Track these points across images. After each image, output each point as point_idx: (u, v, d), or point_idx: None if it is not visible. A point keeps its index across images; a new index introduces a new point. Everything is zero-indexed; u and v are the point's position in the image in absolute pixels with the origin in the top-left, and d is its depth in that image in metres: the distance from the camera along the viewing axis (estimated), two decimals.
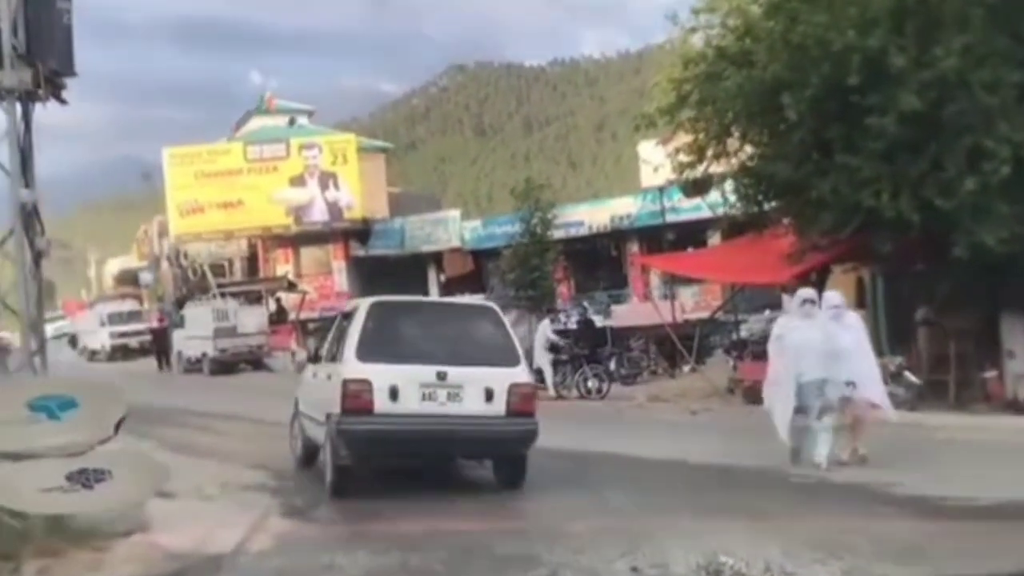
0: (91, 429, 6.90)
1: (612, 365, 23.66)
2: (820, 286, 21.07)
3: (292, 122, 48.48)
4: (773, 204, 18.57)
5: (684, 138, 18.46)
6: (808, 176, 16.28)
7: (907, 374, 17.15)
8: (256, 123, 48.34)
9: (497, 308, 11.64)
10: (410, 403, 10.16)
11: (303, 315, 36.37)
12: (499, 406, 10.39)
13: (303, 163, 41.06)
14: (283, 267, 42.40)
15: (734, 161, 18.09)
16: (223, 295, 35.89)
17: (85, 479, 6.46)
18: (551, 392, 22.13)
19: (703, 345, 26.19)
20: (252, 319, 32.66)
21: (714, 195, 22.92)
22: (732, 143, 18.00)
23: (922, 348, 18.33)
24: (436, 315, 11.79)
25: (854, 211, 16.02)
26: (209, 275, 39.49)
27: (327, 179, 41.16)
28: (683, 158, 18.37)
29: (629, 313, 31.58)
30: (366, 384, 10.06)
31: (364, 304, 10.87)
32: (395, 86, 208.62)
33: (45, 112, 12.30)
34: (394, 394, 10.10)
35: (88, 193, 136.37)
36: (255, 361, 32.61)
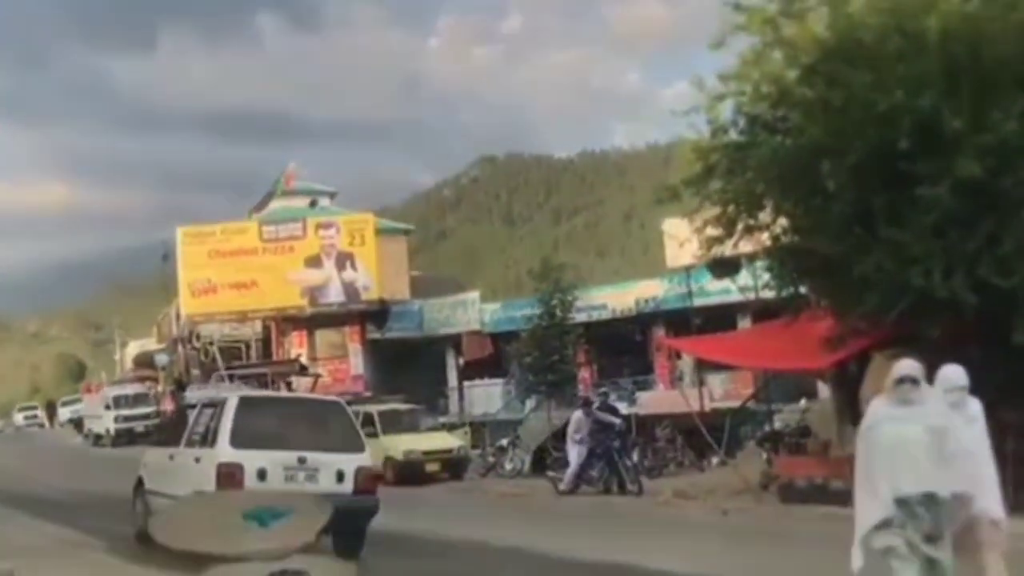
0: (296, 536, 7.27)
1: (636, 456, 21.94)
2: (860, 374, 19.51)
3: (314, 204, 47.61)
4: (809, 284, 17.02)
5: (711, 211, 17.00)
6: (849, 252, 14.76)
7: None
8: (277, 204, 47.47)
9: (344, 403, 13.84)
10: (275, 483, 11.58)
11: None
12: (348, 485, 12.15)
13: (320, 243, 39.94)
14: (297, 350, 41.00)
15: (766, 236, 16.55)
16: (231, 378, 34.47)
17: None
18: (563, 486, 20.68)
19: (733, 436, 24.50)
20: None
21: (744, 277, 21.57)
22: (764, 217, 16.49)
23: None
24: (294, 408, 13.99)
25: (901, 291, 14.47)
26: (218, 357, 38.20)
27: (344, 259, 39.99)
28: (711, 232, 16.89)
29: (654, 400, 30.02)
30: (238, 467, 11.56)
31: (232, 398, 12.64)
32: (427, 176, 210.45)
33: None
34: (262, 475, 11.61)
35: (124, 277, 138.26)
36: None
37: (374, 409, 25.77)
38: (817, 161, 14.46)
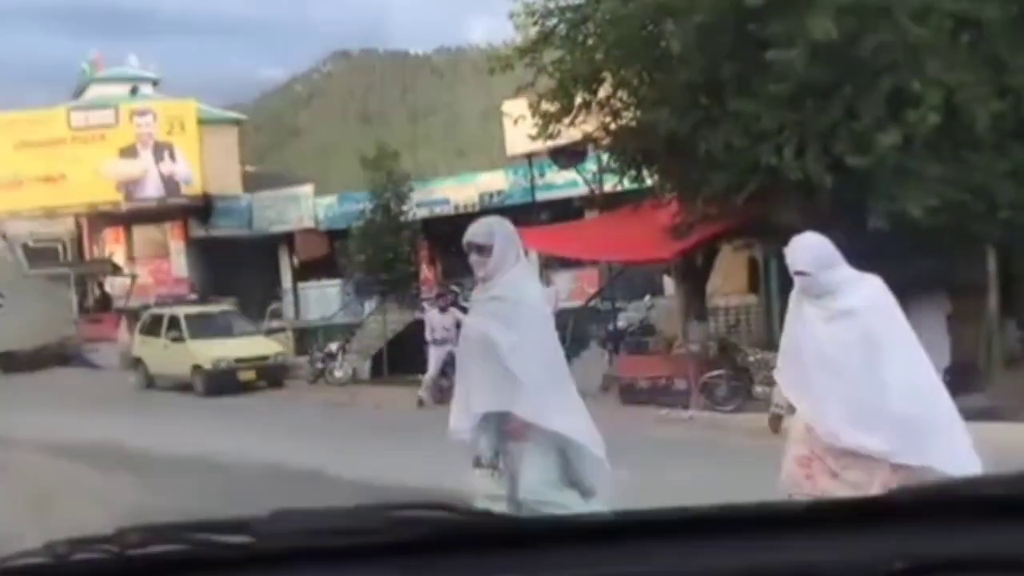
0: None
1: None
2: (707, 267, 18.22)
3: (135, 91, 43.66)
4: (653, 167, 15.46)
5: (549, 84, 15.17)
6: (695, 127, 13.20)
7: None
8: (95, 91, 43.46)
9: None
10: None
11: (134, 302, 32.15)
12: None
13: (135, 132, 36.52)
14: (113, 248, 37.83)
15: (607, 113, 14.82)
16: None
17: None
18: (422, 392, 18.29)
19: (576, 337, 23.15)
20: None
21: (593, 167, 19.96)
22: (605, 90, 14.74)
23: None
24: None
25: (751, 171, 13.05)
26: (21, 256, 34.91)
27: (162, 150, 36.68)
28: (546, 107, 15.06)
29: None
30: None
31: None
32: (278, 71, 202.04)
33: None
34: None
35: None
36: (63, 356, 28.29)
37: (180, 312, 23.44)
38: (661, 22, 12.74)
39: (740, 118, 12.73)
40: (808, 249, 5.37)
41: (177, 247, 37.97)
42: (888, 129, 11.99)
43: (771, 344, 16.65)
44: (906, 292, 14.46)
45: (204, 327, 22.42)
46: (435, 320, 18.55)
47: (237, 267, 37.37)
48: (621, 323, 21.22)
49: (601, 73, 14.49)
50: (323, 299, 34.77)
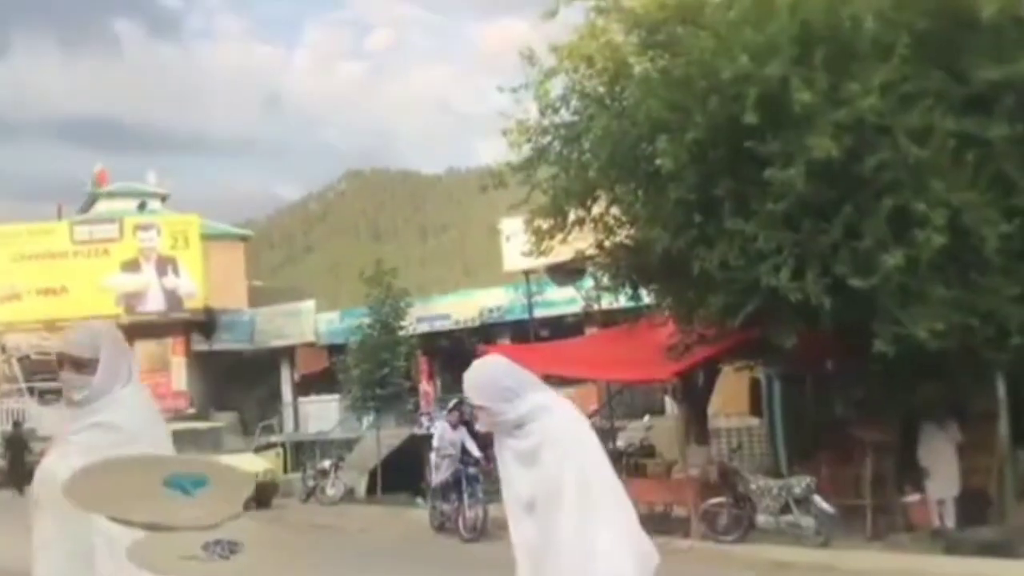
0: (221, 505, 4.80)
1: (480, 479, 19.56)
2: (708, 387, 17.65)
3: (143, 206, 43.87)
4: (647, 285, 15.03)
5: (543, 201, 14.86)
6: (690, 246, 12.78)
7: (817, 500, 13.60)
8: (103, 206, 43.66)
9: None
10: None
11: None
12: None
13: (138, 246, 36.41)
14: None
15: (601, 230, 14.46)
16: (32, 392, 31.03)
17: (221, 549, 4.91)
18: (461, 529, 16.49)
19: None
20: (53, 421, 27.71)
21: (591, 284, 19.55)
22: (599, 206, 14.40)
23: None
24: None
25: (749, 292, 12.56)
26: (16, 370, 34.44)
27: (165, 264, 36.54)
28: (539, 223, 14.71)
29: None
30: None
31: None
32: (292, 190, 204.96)
33: None
34: None
35: None
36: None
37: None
38: (655, 139, 12.43)
39: (736, 237, 12.32)
40: (481, 376, 3.99)
41: (178, 361, 37.51)
42: (891, 250, 11.54)
43: (775, 470, 16.03)
44: (914, 419, 14.01)
45: (190, 444, 21.66)
46: (446, 433, 17.81)
47: (238, 381, 36.94)
48: (620, 443, 20.57)
49: (595, 191, 14.19)
50: (322, 414, 34.22)
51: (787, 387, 17.03)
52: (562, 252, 16.54)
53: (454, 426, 17.61)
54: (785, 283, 11.90)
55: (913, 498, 14.26)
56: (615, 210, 14.14)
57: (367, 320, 25.81)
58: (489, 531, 15.93)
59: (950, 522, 13.90)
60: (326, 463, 23.59)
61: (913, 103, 11.54)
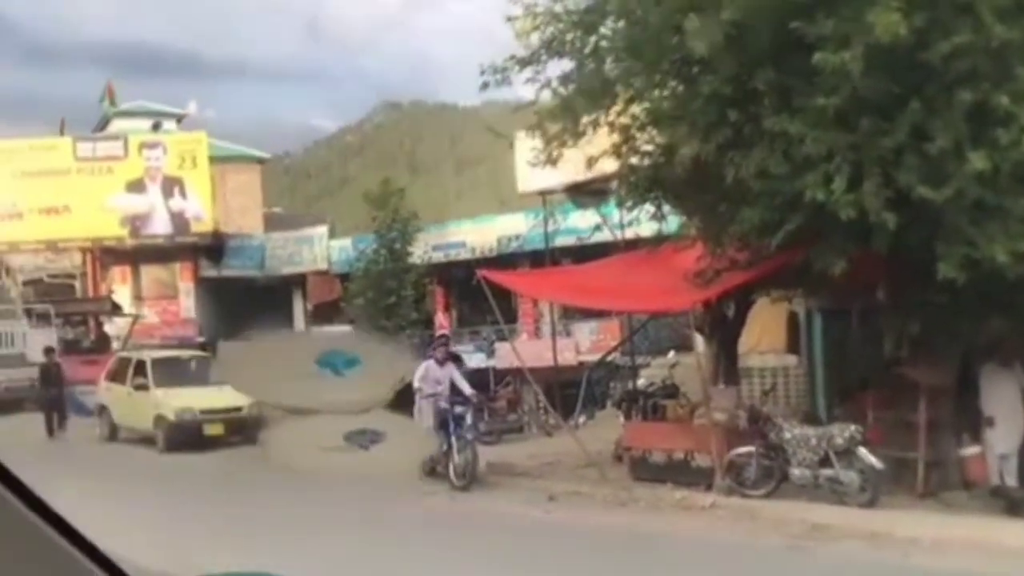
0: (370, 388, 7.89)
1: (469, 419, 17.70)
2: (739, 322, 15.68)
3: (157, 127, 42.15)
4: (671, 198, 13.01)
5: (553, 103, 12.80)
6: (722, 150, 10.74)
7: (862, 452, 11.68)
8: (116, 126, 41.92)
9: None
10: None
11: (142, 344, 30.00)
12: None
13: (143, 165, 34.72)
14: (120, 287, 35.88)
15: (619, 134, 12.36)
16: (30, 316, 29.52)
17: (362, 440, 7.75)
18: (451, 475, 14.26)
19: (590, 394, 20.71)
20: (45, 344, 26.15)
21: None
22: (618, 107, 12.31)
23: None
24: None
25: (791, 206, 10.57)
26: (15, 291, 32.98)
27: (172, 185, 34.82)
28: (549, 127, 12.67)
29: (513, 353, 26.05)
30: None
31: None
32: (329, 122, 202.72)
33: None
34: None
35: None
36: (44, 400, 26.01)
37: (147, 356, 21.09)
38: (683, 20, 10.33)
39: (778, 140, 10.29)
40: None
41: (186, 287, 36.03)
42: (968, 154, 9.48)
43: (813, 417, 14.10)
44: (975, 360, 12.00)
45: (172, 374, 20.04)
46: (431, 371, 15.50)
47: (249, 309, 35.29)
48: (641, 381, 18.74)
49: (613, 86, 12.09)
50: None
51: (829, 321, 15.05)
52: (583, 171, 14.60)
53: (440, 363, 15.58)
54: (838, 195, 9.87)
55: (972, 451, 12.37)
56: (635, 109, 12.03)
57: (372, 246, 24.10)
58: (482, 477, 14.13)
59: (1012, 479, 12.06)
60: None
61: None
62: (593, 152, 12.59)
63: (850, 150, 10.02)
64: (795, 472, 12.09)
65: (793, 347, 16.34)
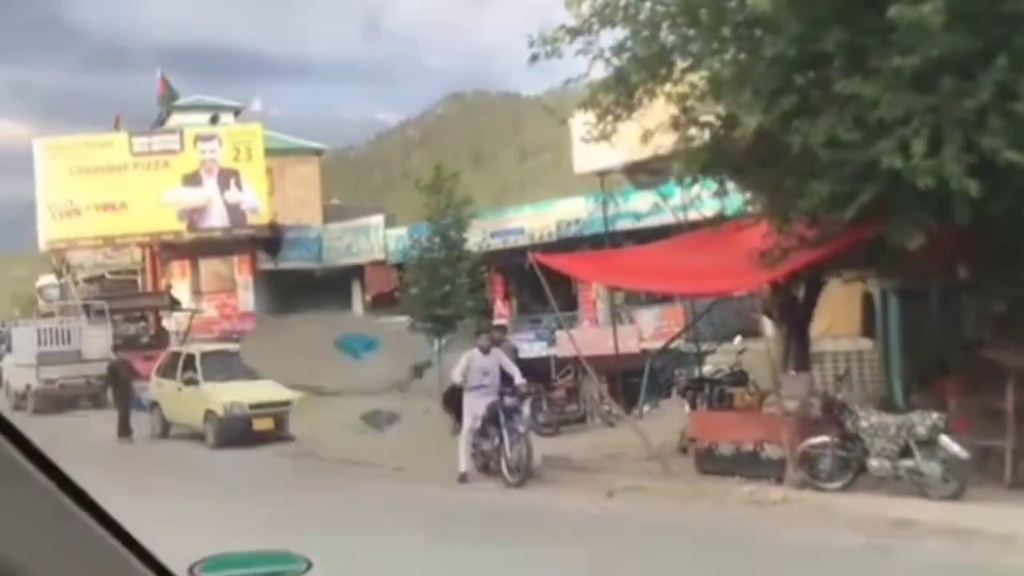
0: (387, 371, 6.55)
1: (526, 411, 16.99)
2: (810, 304, 14.83)
3: (215, 120, 42.13)
4: (732, 173, 12.19)
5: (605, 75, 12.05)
6: (788, 118, 9.93)
7: (946, 440, 10.81)
8: (175, 121, 41.93)
9: None
10: None
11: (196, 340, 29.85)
12: None
13: (199, 158, 34.52)
14: (179, 282, 35.77)
15: (677, 104, 11.56)
16: (89, 311, 29.51)
17: (379, 420, 8.46)
18: (462, 466, 13.87)
19: (654, 383, 19.89)
20: (101, 342, 26.06)
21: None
22: (675, 75, 11.52)
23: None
24: None
25: (863, 176, 9.74)
26: (72, 287, 33.06)
27: (228, 178, 34.58)
28: (602, 99, 11.92)
29: (578, 341, 25.30)
30: None
31: None
32: (392, 115, 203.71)
33: None
34: None
35: None
36: (99, 396, 25.89)
37: (196, 350, 20.73)
38: None
39: (850, 104, 9.48)
40: None
41: (244, 281, 35.82)
42: None
43: (890, 403, 13.23)
44: None
45: (222, 368, 19.67)
46: (475, 361, 14.54)
47: (308, 302, 35.04)
48: (707, 369, 17.93)
49: (669, 54, 11.32)
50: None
51: (906, 302, 14.14)
52: (640, 149, 13.85)
53: (485, 350, 14.61)
54: (916, 161, 9.04)
55: None
56: (693, 78, 11.25)
57: (426, 235, 23.46)
58: (537, 472, 13.44)
59: None
60: None
61: None
62: (649, 126, 11.82)
63: (929, 113, 9.18)
64: (873, 463, 11.26)
65: (867, 330, 15.44)
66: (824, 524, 10.21)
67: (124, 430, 20.38)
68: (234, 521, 10.02)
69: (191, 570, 2.08)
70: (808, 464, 11.72)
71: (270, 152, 36.23)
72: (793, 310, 14.36)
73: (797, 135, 9.78)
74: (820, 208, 10.45)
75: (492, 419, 13.74)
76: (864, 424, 11.35)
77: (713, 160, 11.71)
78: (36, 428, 20.27)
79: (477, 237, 27.61)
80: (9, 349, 29.30)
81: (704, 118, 11.34)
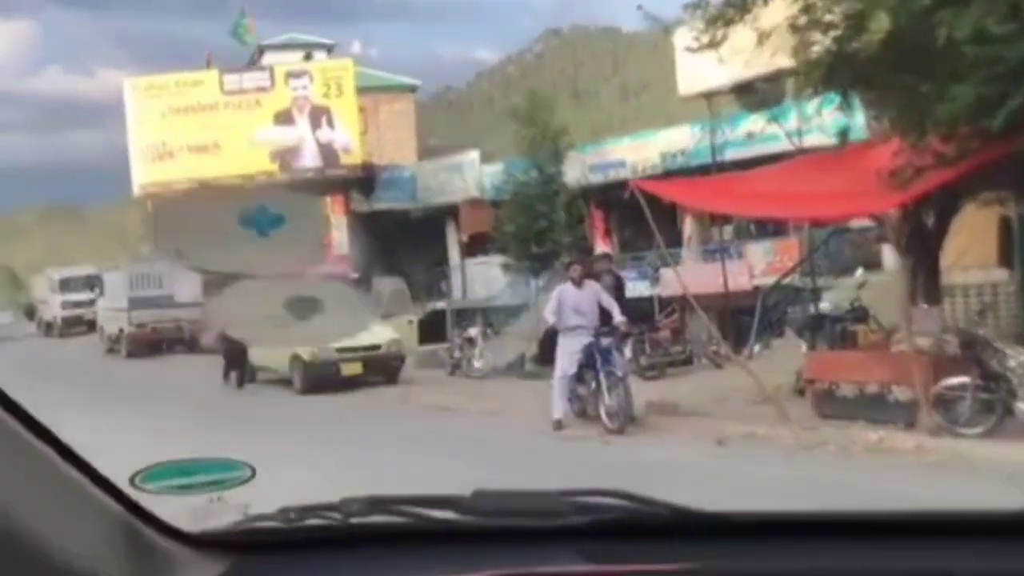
0: (300, 251, 7.24)
1: (628, 352, 15.91)
2: (940, 232, 13.40)
3: (308, 58, 41.58)
4: (857, 85, 10.81)
5: None
6: (929, 12, 8.57)
7: None
8: (268, 59, 41.48)
9: None
10: None
11: None
12: None
13: (290, 95, 33.92)
14: None
15: (792, 2, 10.22)
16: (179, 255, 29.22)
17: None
18: (556, 413, 12.85)
19: (766, 321, 18.69)
20: (192, 286, 25.71)
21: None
22: None
23: None
24: None
25: (1016, 77, 8.35)
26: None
27: (319, 115, 33.90)
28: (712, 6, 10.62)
29: (684, 278, 24.05)
30: None
31: None
32: (490, 53, 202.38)
33: None
34: None
35: None
36: (191, 340, 25.68)
37: None
38: None
39: None
40: None
41: (338, 221, 35.27)
42: None
43: None
44: None
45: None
46: (567, 297, 13.06)
47: (403, 243, 34.39)
48: (824, 305, 16.59)
49: None
50: (489, 277, 31.21)
51: None
52: (751, 65, 12.56)
53: (578, 283, 13.14)
54: None
55: None
56: None
57: (522, 169, 22.45)
58: (640, 418, 12.37)
59: None
60: (472, 331, 20.53)
61: None
62: (763, 26, 10.50)
63: None
64: (1021, 406, 9.97)
65: (1005, 260, 13.97)
66: (964, 473, 8.97)
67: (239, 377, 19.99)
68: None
69: (132, 480, 2.02)
70: (944, 407, 10.44)
71: (363, 90, 35.46)
72: (922, 238, 12.93)
73: (941, 28, 8.41)
74: (963, 116, 9.07)
75: (588, 362, 12.62)
76: (1012, 363, 10.04)
77: (837, 68, 10.34)
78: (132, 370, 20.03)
79: (576, 172, 26.49)
80: (102, 294, 29.43)
81: (827, 17, 9.97)
